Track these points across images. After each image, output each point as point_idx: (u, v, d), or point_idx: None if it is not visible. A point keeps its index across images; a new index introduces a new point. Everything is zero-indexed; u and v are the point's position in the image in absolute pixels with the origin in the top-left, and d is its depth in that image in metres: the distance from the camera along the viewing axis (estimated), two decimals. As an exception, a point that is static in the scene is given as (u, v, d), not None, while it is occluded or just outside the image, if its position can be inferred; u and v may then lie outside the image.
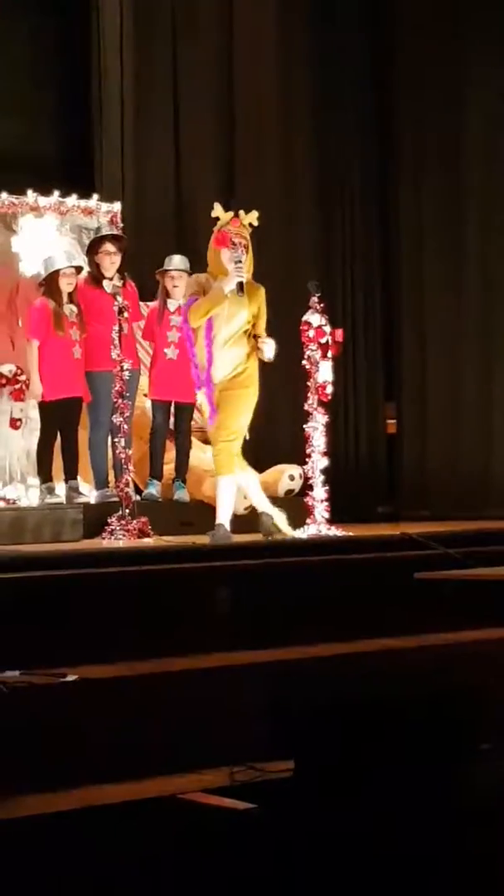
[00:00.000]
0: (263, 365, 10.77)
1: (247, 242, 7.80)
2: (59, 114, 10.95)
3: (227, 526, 7.77)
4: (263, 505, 7.99)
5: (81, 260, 9.28)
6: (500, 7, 10.81)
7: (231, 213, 7.89)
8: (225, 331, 7.70)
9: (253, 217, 7.89)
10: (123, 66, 10.70)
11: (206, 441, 9.90)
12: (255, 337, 7.84)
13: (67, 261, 8.96)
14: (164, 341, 9.02)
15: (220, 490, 7.84)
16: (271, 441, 10.34)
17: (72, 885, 4.25)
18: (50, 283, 8.87)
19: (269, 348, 7.82)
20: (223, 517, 7.76)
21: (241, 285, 7.65)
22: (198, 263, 9.42)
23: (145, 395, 9.24)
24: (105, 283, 8.68)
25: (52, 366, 8.76)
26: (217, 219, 7.90)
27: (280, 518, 7.88)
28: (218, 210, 7.93)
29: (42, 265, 9.11)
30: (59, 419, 8.84)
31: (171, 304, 9.00)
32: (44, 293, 8.92)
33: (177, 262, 9.05)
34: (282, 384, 10.66)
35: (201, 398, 7.84)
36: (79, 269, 8.99)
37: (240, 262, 7.66)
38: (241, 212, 7.92)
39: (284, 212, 11.20)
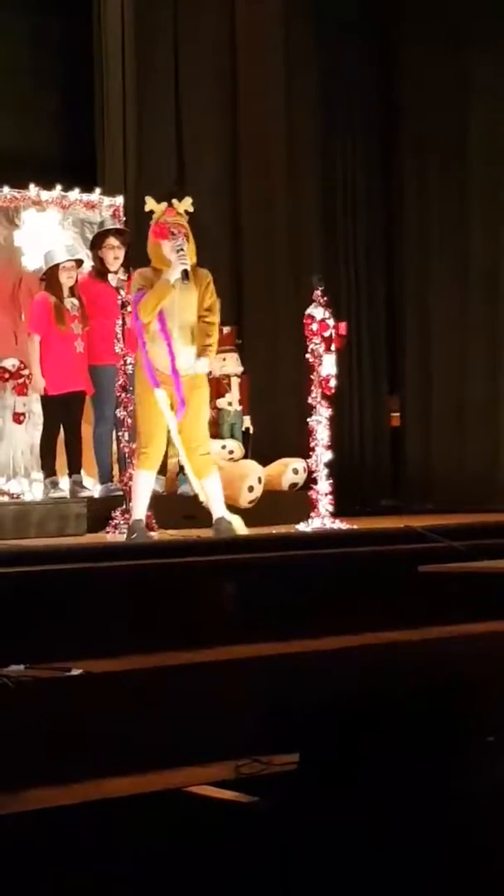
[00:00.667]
0: (267, 358, 10.86)
1: (186, 230, 7.56)
2: (61, 109, 10.93)
3: (228, 517, 7.68)
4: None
5: (84, 254, 9.28)
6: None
7: (165, 204, 7.64)
8: (178, 322, 7.46)
9: (187, 203, 7.66)
10: (126, 60, 10.67)
11: (212, 435, 9.89)
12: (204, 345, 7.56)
13: (68, 254, 8.96)
14: None
15: (216, 486, 7.70)
16: (275, 434, 10.34)
17: (77, 878, 4.25)
18: (50, 277, 8.87)
19: (201, 365, 7.57)
20: (222, 510, 7.67)
21: (185, 273, 7.39)
22: (203, 256, 9.42)
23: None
24: (110, 276, 8.67)
25: (54, 360, 8.76)
26: (152, 213, 7.66)
27: (237, 522, 7.74)
28: (151, 203, 7.68)
29: (42, 259, 9.10)
30: (61, 413, 8.84)
31: None
32: (44, 287, 8.91)
33: None
34: (285, 378, 10.68)
35: (160, 395, 7.52)
36: (79, 263, 8.99)
37: (181, 250, 7.43)
38: (175, 200, 7.68)
39: (288, 205, 11.20)
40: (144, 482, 7.57)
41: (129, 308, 8.32)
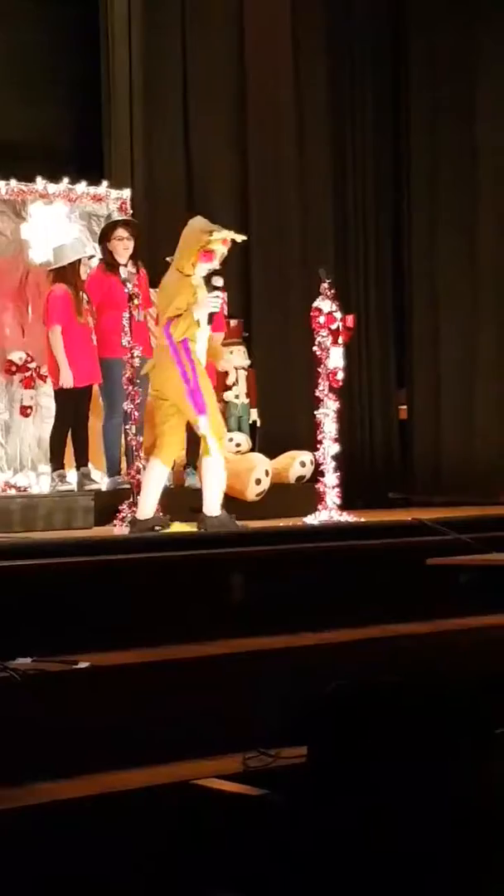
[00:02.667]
0: (274, 351, 10.86)
1: (221, 263, 7.62)
2: (68, 101, 10.92)
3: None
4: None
5: (91, 247, 9.27)
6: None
7: (225, 233, 7.61)
8: (200, 347, 7.53)
9: (240, 238, 7.73)
10: (133, 52, 10.66)
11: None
12: None
13: (87, 249, 8.96)
14: None
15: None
16: (282, 427, 10.33)
17: (85, 871, 4.25)
18: (71, 271, 8.82)
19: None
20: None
21: (210, 316, 7.48)
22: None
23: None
24: (121, 269, 8.66)
25: (74, 352, 8.75)
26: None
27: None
28: (219, 233, 7.61)
29: (57, 252, 9.04)
30: (74, 407, 8.83)
31: None
32: (61, 280, 8.84)
33: None
34: (293, 371, 10.67)
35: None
36: (91, 258, 8.99)
37: (218, 296, 7.55)
38: (233, 233, 7.63)
39: (297, 198, 11.18)
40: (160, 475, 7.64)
41: (136, 301, 8.32)
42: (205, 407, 7.38)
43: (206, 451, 7.39)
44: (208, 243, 7.50)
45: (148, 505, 7.56)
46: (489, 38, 11.04)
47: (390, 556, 7.00)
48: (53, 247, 9.15)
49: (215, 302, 7.51)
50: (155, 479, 7.61)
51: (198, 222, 7.64)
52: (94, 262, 9.10)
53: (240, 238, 7.69)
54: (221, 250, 7.57)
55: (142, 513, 7.57)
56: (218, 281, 7.56)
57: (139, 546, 6.80)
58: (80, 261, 8.83)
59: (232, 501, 8.56)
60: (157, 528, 7.47)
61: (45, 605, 5.59)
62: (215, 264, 7.53)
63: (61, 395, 8.88)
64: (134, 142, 10.66)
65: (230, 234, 7.56)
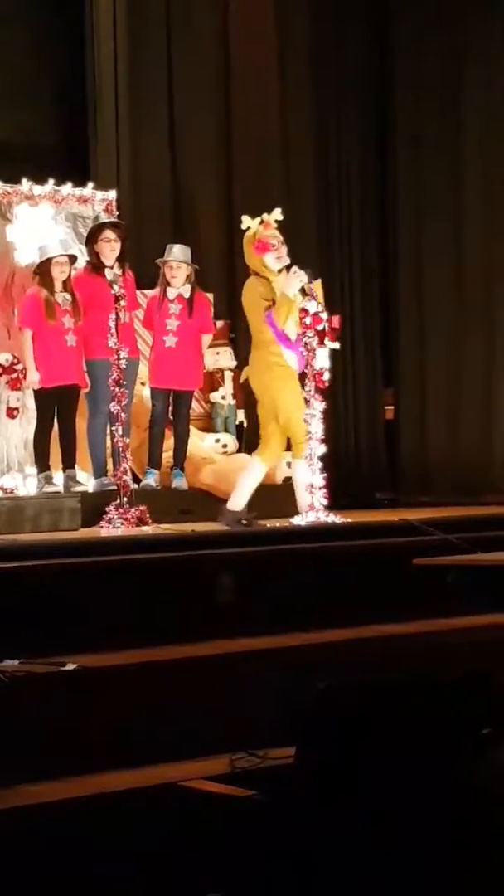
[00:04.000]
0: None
1: (282, 239, 8.20)
2: (53, 102, 10.91)
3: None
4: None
5: (77, 249, 9.26)
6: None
7: (258, 220, 8.23)
8: (293, 327, 7.99)
9: (277, 214, 8.29)
10: (118, 53, 10.66)
11: (205, 429, 9.91)
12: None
13: (62, 249, 8.94)
14: (164, 329, 9.00)
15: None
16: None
17: (73, 873, 4.25)
18: (43, 272, 8.84)
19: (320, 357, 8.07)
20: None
21: (310, 277, 7.99)
22: (196, 250, 9.41)
23: (143, 384, 9.22)
24: (107, 271, 8.65)
25: (46, 354, 8.74)
26: (247, 229, 8.23)
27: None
28: (247, 221, 8.26)
29: (37, 253, 9.08)
30: (54, 407, 8.82)
31: (171, 293, 8.98)
32: (37, 282, 8.89)
33: (177, 252, 9.03)
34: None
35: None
36: (73, 259, 8.96)
37: (283, 258, 8.06)
38: (265, 215, 8.27)
39: (282, 199, 11.16)
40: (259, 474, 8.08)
41: (122, 302, 8.33)
42: None
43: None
44: (254, 235, 8.10)
45: (241, 498, 7.98)
46: (473, 53, 11.06)
47: (377, 556, 7.01)
48: (38, 247, 9.15)
49: (298, 275, 7.95)
50: (254, 476, 8.05)
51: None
52: (81, 263, 9.09)
53: (273, 217, 8.26)
54: (269, 234, 8.13)
55: (234, 504, 7.97)
56: (284, 260, 8.05)
57: (126, 547, 6.80)
58: (50, 262, 8.81)
59: (218, 502, 8.58)
60: (244, 521, 7.86)
61: (33, 607, 5.59)
62: (280, 251, 8.07)
63: (39, 396, 8.87)
64: (119, 143, 10.65)
65: (264, 217, 8.22)
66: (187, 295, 8.97)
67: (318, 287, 8.08)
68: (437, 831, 3.12)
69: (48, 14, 10.85)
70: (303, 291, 8.04)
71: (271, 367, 8.00)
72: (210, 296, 9.46)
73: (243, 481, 8.04)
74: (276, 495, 8.96)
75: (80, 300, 8.83)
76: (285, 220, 10.97)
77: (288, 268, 8.04)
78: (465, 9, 11.09)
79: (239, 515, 7.90)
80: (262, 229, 8.19)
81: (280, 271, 8.06)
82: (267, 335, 7.99)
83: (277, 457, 8.39)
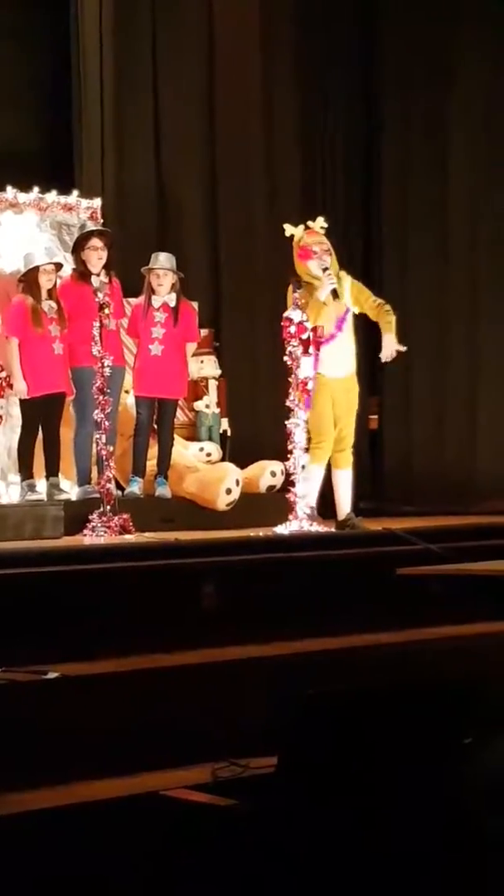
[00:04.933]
0: (245, 361, 10.86)
1: (327, 246, 8.46)
2: (38, 110, 10.89)
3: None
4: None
5: (62, 257, 9.24)
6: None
7: (302, 227, 8.48)
8: (328, 332, 8.33)
9: (321, 222, 8.57)
10: (103, 60, 10.65)
11: (189, 437, 9.89)
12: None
13: (48, 257, 8.92)
14: (149, 338, 8.97)
15: (347, 483, 8.63)
16: (253, 437, 10.32)
17: (54, 881, 4.23)
18: (29, 280, 8.82)
19: (389, 343, 8.75)
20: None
21: (334, 292, 8.34)
22: (181, 259, 9.39)
23: (127, 392, 9.21)
24: (93, 279, 8.64)
25: (31, 362, 8.71)
26: (292, 237, 8.47)
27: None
28: (290, 229, 8.51)
29: (22, 262, 9.06)
30: (39, 415, 8.80)
31: (156, 301, 8.96)
32: (22, 290, 8.87)
33: (162, 260, 9.01)
34: (263, 380, 10.67)
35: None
36: (58, 266, 8.95)
37: (327, 268, 8.33)
38: (310, 222, 8.53)
39: (267, 207, 11.18)
40: (318, 476, 8.42)
41: (107, 310, 8.32)
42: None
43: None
44: (298, 242, 8.41)
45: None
46: (464, 34, 11.08)
47: (361, 565, 7.01)
48: (24, 255, 9.12)
49: (329, 278, 8.32)
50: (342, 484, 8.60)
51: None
52: (66, 271, 9.07)
53: (318, 224, 8.54)
54: (312, 241, 8.43)
55: (340, 513, 8.48)
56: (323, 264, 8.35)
57: (109, 556, 6.78)
58: (37, 269, 8.79)
59: (202, 511, 8.57)
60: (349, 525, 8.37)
61: (15, 615, 5.57)
62: (325, 260, 8.37)
63: (25, 404, 8.85)
64: (105, 151, 10.64)
65: (309, 224, 8.52)
66: (172, 303, 8.96)
67: (342, 281, 8.43)
68: (426, 836, 3.11)
69: (33, 21, 10.83)
70: (335, 294, 8.35)
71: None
72: (195, 304, 9.44)
73: (338, 490, 8.59)
74: (259, 504, 8.96)
75: (65, 308, 8.81)
76: (271, 231, 11.02)
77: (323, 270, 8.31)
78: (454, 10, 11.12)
79: (346, 521, 8.43)
80: (306, 236, 8.46)
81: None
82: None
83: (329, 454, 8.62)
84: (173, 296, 8.95)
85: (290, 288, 8.29)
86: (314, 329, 8.18)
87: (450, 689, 3.37)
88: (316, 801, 3.12)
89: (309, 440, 8.24)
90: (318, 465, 8.42)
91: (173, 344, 8.97)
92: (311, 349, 8.27)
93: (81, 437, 8.80)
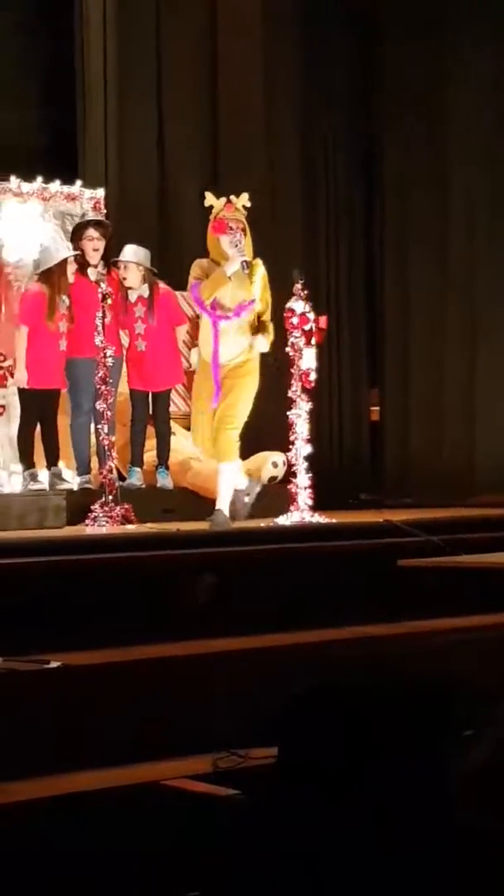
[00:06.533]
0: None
1: (243, 225, 8.02)
2: (42, 100, 10.89)
3: (226, 511, 7.93)
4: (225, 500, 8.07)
5: (65, 246, 9.24)
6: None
7: (224, 199, 8.07)
8: (222, 311, 7.90)
9: (244, 199, 8.14)
10: (107, 51, 10.65)
11: (189, 428, 9.90)
12: (259, 321, 8.08)
13: (68, 249, 8.86)
14: (133, 334, 8.94)
15: (223, 476, 8.01)
16: (255, 428, 10.31)
17: (55, 871, 4.25)
18: (58, 273, 8.70)
19: (260, 343, 8.08)
20: (223, 503, 7.91)
21: (244, 264, 7.89)
22: (183, 250, 9.40)
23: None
24: (90, 270, 8.63)
25: (38, 355, 8.68)
26: (211, 207, 8.09)
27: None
28: (210, 198, 8.09)
29: (44, 254, 8.98)
30: (37, 407, 8.79)
31: (132, 295, 8.90)
32: (43, 280, 8.76)
33: (126, 252, 8.92)
34: (265, 371, 10.67)
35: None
36: (77, 257, 8.91)
37: (239, 244, 7.89)
38: (233, 197, 8.12)
39: (268, 199, 11.17)
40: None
41: (109, 301, 8.32)
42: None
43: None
44: (216, 215, 8.00)
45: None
46: (463, 38, 11.08)
47: (361, 557, 7.03)
48: (40, 248, 9.09)
49: (240, 255, 7.90)
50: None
51: None
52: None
53: (241, 201, 8.17)
54: (229, 216, 8.04)
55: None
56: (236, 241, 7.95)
57: (110, 546, 6.80)
58: (66, 261, 8.72)
59: (204, 502, 8.59)
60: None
61: (17, 605, 5.59)
62: (238, 236, 7.95)
63: (24, 394, 8.85)
64: (108, 141, 10.64)
65: (231, 198, 8.14)
66: (146, 295, 8.90)
67: (256, 268, 8.04)
68: (419, 832, 3.13)
69: (36, 12, 10.84)
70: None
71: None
72: (178, 293, 9.30)
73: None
74: (261, 495, 8.97)
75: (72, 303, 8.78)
76: (273, 223, 11.01)
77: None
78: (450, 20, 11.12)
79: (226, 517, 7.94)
80: (225, 210, 8.08)
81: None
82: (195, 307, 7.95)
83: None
84: (146, 287, 8.89)
85: (197, 262, 8.05)
86: (212, 306, 7.90)
87: (448, 683, 3.39)
88: (311, 795, 3.14)
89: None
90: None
91: (156, 336, 8.89)
92: (313, 340, 8.28)
93: (77, 426, 8.80)
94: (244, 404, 8.12)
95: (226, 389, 8.00)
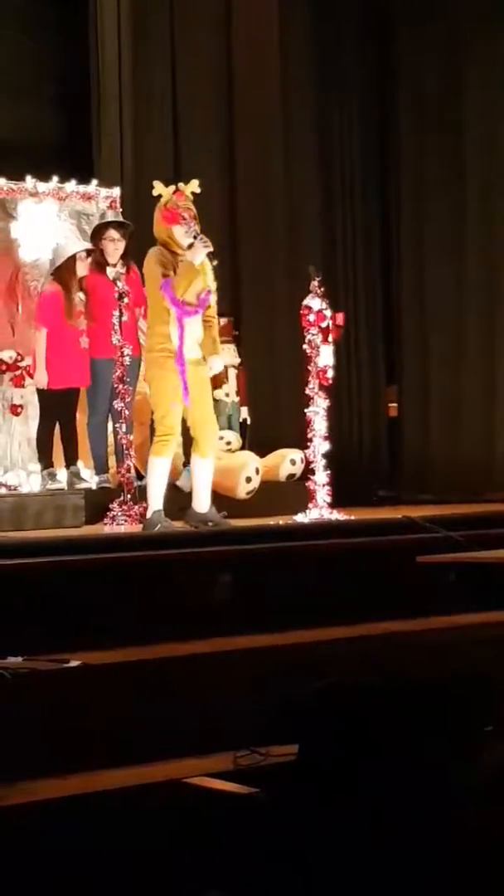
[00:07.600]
0: (264, 349, 10.86)
1: (195, 213, 7.64)
2: (57, 99, 10.92)
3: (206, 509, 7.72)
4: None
5: (81, 246, 9.26)
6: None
7: (173, 188, 7.73)
8: (190, 307, 7.51)
9: (194, 186, 7.75)
10: (122, 50, 10.65)
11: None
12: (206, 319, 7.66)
13: (79, 244, 8.89)
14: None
15: (210, 472, 7.72)
16: (273, 425, 10.33)
17: (77, 870, 4.25)
18: (65, 270, 8.75)
19: (217, 365, 7.72)
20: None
21: (210, 255, 7.48)
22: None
23: (145, 381, 9.21)
24: (109, 269, 8.65)
25: (60, 355, 8.71)
26: (160, 196, 7.74)
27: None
28: (159, 187, 7.75)
29: (56, 253, 9.00)
30: (57, 406, 8.82)
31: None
32: (57, 280, 8.79)
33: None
34: (283, 368, 10.67)
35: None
36: (89, 252, 8.92)
37: (198, 234, 7.49)
38: (181, 184, 7.78)
39: (285, 196, 11.18)
40: (163, 471, 7.56)
41: (125, 300, 8.33)
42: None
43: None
44: (165, 204, 7.59)
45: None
46: (477, 29, 11.05)
47: (381, 553, 7.01)
48: (55, 248, 9.11)
49: (204, 244, 7.44)
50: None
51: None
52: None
53: (189, 188, 7.73)
54: (181, 205, 7.59)
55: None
56: (192, 231, 7.53)
57: (130, 544, 6.81)
58: (74, 258, 8.77)
59: (222, 499, 8.58)
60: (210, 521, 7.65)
61: (36, 604, 5.60)
62: (192, 227, 7.51)
63: (43, 394, 8.87)
64: (123, 140, 10.65)
65: (179, 185, 7.69)
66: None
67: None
68: (437, 831, 3.12)
69: (52, 11, 10.86)
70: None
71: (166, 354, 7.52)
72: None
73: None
74: (279, 493, 8.98)
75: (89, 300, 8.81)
76: (290, 220, 11.01)
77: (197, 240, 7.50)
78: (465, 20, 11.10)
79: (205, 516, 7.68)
80: (175, 198, 7.66)
81: (190, 246, 7.50)
82: (163, 303, 7.43)
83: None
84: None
85: (155, 252, 7.58)
86: (182, 301, 7.42)
87: (468, 680, 3.38)
88: (328, 793, 3.13)
89: (153, 429, 7.59)
90: (164, 458, 7.58)
91: None
92: (330, 337, 8.26)
93: (94, 425, 8.83)
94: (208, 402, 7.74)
95: (194, 384, 7.50)
